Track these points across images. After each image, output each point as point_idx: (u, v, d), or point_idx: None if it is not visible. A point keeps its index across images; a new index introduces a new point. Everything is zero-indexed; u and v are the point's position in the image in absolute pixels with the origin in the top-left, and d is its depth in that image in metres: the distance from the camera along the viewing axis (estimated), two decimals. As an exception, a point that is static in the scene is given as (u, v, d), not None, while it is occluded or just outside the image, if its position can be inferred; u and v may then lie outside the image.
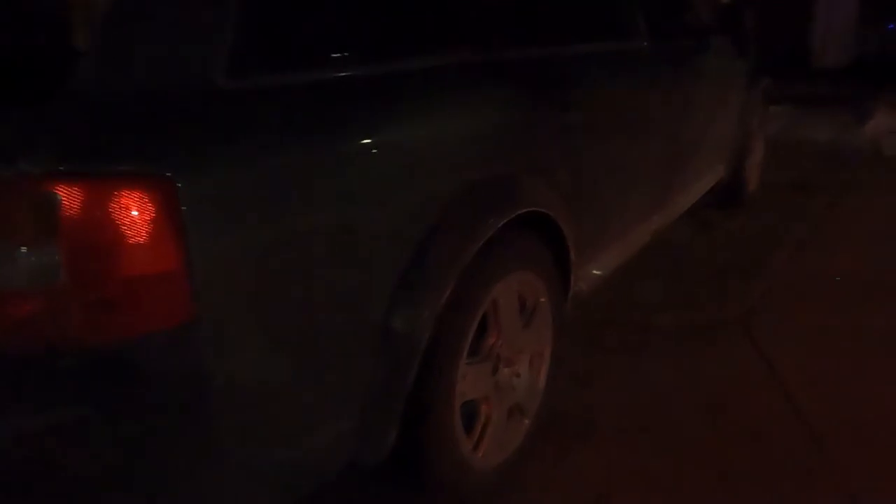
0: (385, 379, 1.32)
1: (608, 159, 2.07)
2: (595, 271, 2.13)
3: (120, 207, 0.96)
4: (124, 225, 0.96)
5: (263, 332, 1.13)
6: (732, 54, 3.38)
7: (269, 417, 1.17)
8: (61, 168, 0.95)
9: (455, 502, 1.61)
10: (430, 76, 1.47)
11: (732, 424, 1.96)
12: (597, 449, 1.85)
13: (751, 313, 2.64)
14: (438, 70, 1.50)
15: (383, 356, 1.30)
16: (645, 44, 2.36)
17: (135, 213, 0.96)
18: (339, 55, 1.31)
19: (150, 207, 0.97)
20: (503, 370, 1.65)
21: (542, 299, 1.75)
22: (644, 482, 1.73)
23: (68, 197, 0.93)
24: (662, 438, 1.90)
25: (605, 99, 2.06)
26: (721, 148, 3.33)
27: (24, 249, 0.94)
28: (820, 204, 4.05)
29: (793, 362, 2.27)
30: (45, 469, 1.02)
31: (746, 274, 3.01)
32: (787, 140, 5.74)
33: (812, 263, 3.16)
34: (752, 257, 3.21)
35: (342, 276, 1.23)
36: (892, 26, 11.22)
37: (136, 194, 0.96)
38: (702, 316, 2.62)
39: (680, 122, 2.60)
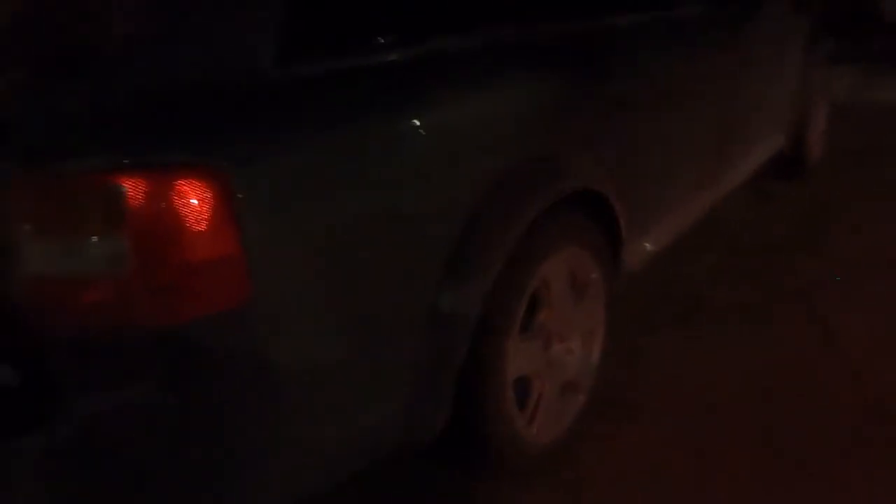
0: (435, 358, 1.35)
1: (657, 132, 2.03)
2: (647, 246, 2.10)
3: (179, 197, 1.00)
4: (183, 213, 1.00)
5: (316, 313, 1.17)
6: (789, 12, 3.21)
7: (324, 396, 1.22)
8: (125, 161, 0.99)
9: (508, 478, 1.64)
10: (474, 56, 1.47)
11: (790, 400, 1.92)
12: (651, 425, 1.84)
13: (811, 287, 2.55)
14: (482, 49, 1.49)
15: (433, 335, 1.33)
16: (692, 9, 2.29)
17: (192, 201, 1.01)
18: (382, 39, 1.33)
19: (207, 196, 1.01)
20: (555, 346, 1.66)
21: (594, 275, 1.74)
22: (698, 459, 1.72)
23: (132, 189, 0.98)
24: (717, 415, 1.87)
25: (652, 70, 2.01)
26: (779, 115, 3.20)
27: (93, 239, 1.00)
28: (886, 173, 3.85)
29: (853, 337, 2.20)
30: (115, 446, 1.09)
31: (807, 247, 2.91)
32: (856, 103, 5.46)
33: (878, 236, 3.01)
34: (814, 230, 3.10)
35: (392, 258, 1.26)
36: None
37: (192, 184, 1.01)
38: (758, 291, 2.55)
39: (732, 89, 2.51)
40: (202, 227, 1.01)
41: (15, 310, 1.04)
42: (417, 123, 1.28)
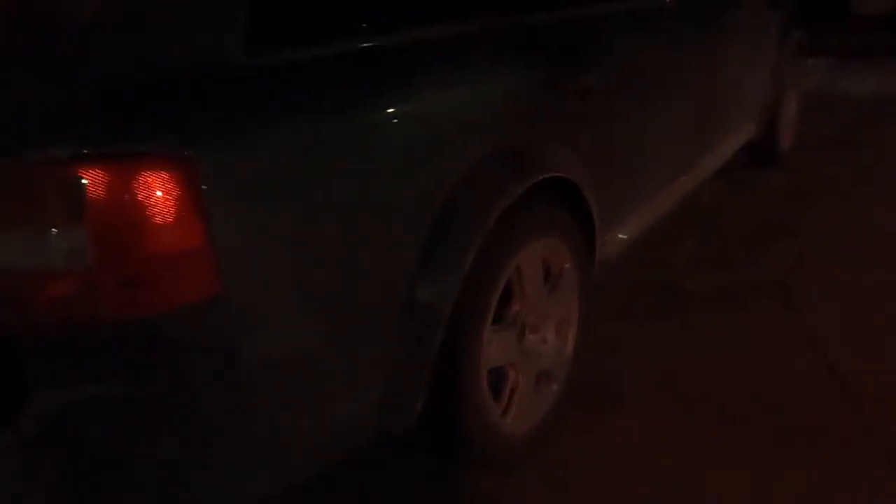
0: (410, 348, 1.34)
1: (631, 122, 2.04)
2: (622, 236, 2.11)
3: (141, 188, 0.98)
4: (147, 204, 0.98)
5: (289, 304, 1.16)
6: (763, 5, 3.25)
7: (298, 387, 1.21)
8: (84, 151, 0.97)
9: (485, 467, 1.64)
10: (446, 45, 1.46)
11: (767, 388, 1.94)
12: (628, 415, 1.85)
13: (786, 274, 2.59)
14: (454, 39, 1.49)
15: (408, 325, 1.32)
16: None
17: (156, 192, 0.99)
18: (353, 28, 1.31)
19: (171, 187, 0.99)
20: (529, 336, 1.66)
21: (567, 265, 1.74)
22: (677, 446, 1.73)
23: (92, 179, 0.96)
24: (694, 404, 1.89)
25: (627, 60, 2.02)
26: (752, 105, 3.24)
27: (53, 231, 0.97)
28: (859, 161, 3.91)
29: (830, 324, 2.23)
30: (84, 440, 1.07)
31: (781, 234, 2.95)
32: (826, 94, 5.54)
33: (850, 222, 3.07)
34: (788, 217, 3.14)
35: (365, 248, 1.25)
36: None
37: (156, 174, 0.99)
38: (735, 278, 2.58)
39: (706, 80, 2.53)
40: (167, 218, 1.00)
41: (-26, 305, 1.02)
42: (389, 113, 1.27)
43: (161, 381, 1.06)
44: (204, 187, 1.02)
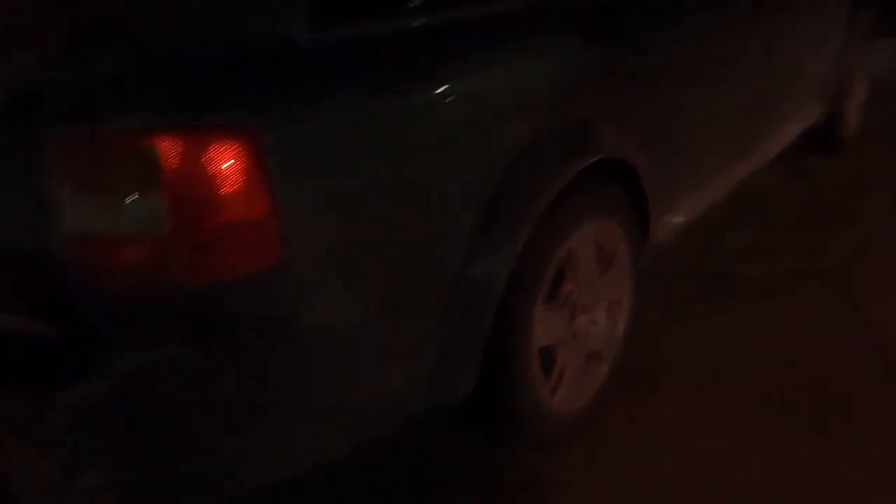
0: (462, 324, 1.36)
1: (689, 102, 1.99)
2: (676, 220, 2.08)
3: (212, 158, 1.02)
4: (216, 174, 1.02)
5: (345, 276, 1.19)
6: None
7: (350, 359, 1.24)
8: (161, 122, 1.01)
9: (532, 445, 1.66)
10: (505, 21, 1.46)
11: (817, 377, 1.90)
12: (675, 398, 1.84)
13: (844, 264, 2.51)
14: (512, 15, 1.48)
15: (461, 301, 1.34)
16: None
17: (225, 163, 1.02)
18: (414, 3, 1.32)
19: (239, 158, 1.03)
20: (580, 317, 1.66)
21: (620, 247, 1.73)
22: (721, 431, 1.72)
23: (166, 149, 1.00)
24: (742, 390, 1.86)
25: (687, 38, 1.97)
26: (816, 87, 3.11)
27: (130, 198, 1.02)
28: (928, 148, 3.76)
29: (888, 315, 2.16)
30: (149, 401, 1.12)
31: (841, 223, 2.86)
32: (894, 78, 5.29)
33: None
34: (848, 206, 3.03)
35: (421, 223, 1.27)
36: None
37: (225, 146, 1.02)
38: (790, 267, 2.52)
39: (769, 59, 2.44)
40: (235, 188, 1.03)
41: (56, 267, 1.07)
42: (447, 89, 1.28)
43: (223, 346, 1.11)
44: (269, 159, 1.05)
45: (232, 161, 1.02)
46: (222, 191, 1.02)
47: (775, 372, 1.92)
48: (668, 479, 1.59)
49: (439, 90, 1.27)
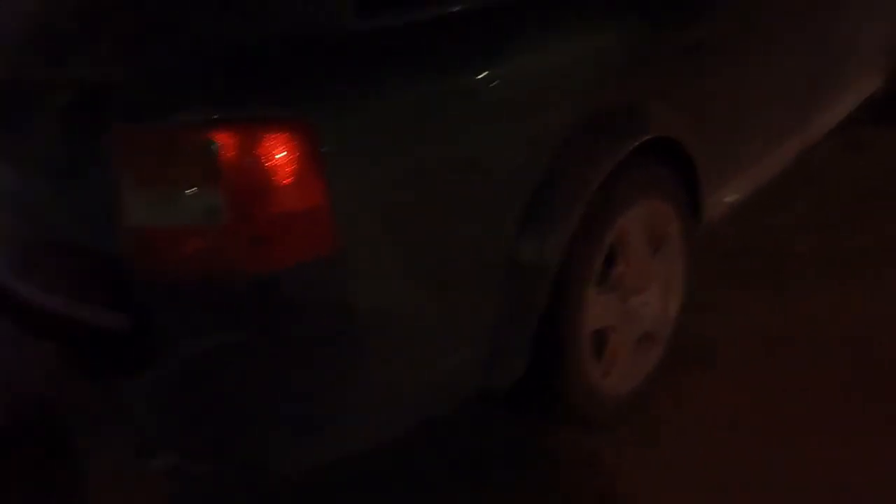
0: (514, 307, 1.37)
1: (741, 78, 1.94)
2: (728, 199, 2.04)
3: (267, 150, 1.04)
4: (271, 166, 1.05)
5: (399, 262, 1.21)
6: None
7: (406, 341, 1.26)
8: (216, 117, 1.04)
9: (585, 427, 1.66)
10: (550, 2, 1.44)
11: (877, 356, 1.84)
12: (728, 378, 1.81)
13: (907, 239, 2.42)
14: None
15: (513, 284, 1.35)
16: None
17: (280, 154, 1.05)
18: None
19: (293, 149, 1.05)
20: (632, 299, 1.64)
21: (672, 227, 1.71)
22: (775, 413, 1.69)
23: (224, 143, 1.03)
24: (798, 369, 1.82)
25: (737, 9, 1.91)
26: (876, 54, 2.97)
27: (190, 192, 1.06)
28: None
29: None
30: (213, 386, 1.17)
31: (902, 197, 2.75)
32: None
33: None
34: (910, 179, 2.92)
35: (473, 207, 1.28)
36: None
37: (279, 138, 1.05)
38: (846, 244, 2.43)
39: (823, 28, 2.34)
40: (290, 179, 1.06)
41: (122, 259, 1.12)
42: (495, 71, 1.28)
43: (285, 332, 1.14)
44: (323, 149, 1.07)
45: (286, 152, 1.04)
46: (278, 182, 1.05)
47: (835, 353, 1.87)
48: (720, 458, 1.57)
49: (488, 73, 1.28)
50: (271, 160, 1.04)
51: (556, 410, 1.62)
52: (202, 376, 1.16)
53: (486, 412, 1.68)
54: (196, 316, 1.14)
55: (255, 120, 1.05)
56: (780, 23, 2.14)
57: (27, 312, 1.34)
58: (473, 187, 1.27)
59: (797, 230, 2.55)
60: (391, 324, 1.23)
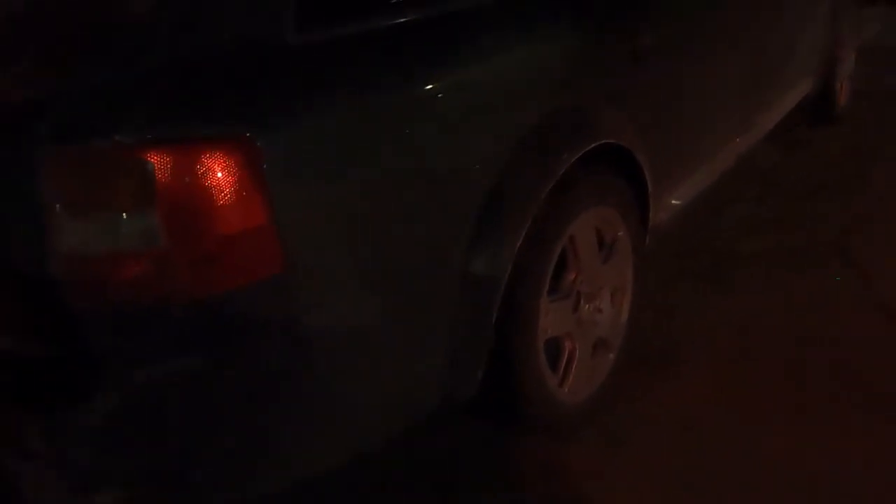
0: (469, 319, 1.36)
1: (686, 83, 1.98)
2: (675, 201, 2.07)
3: (206, 170, 1.00)
4: (211, 186, 1.01)
5: (350, 278, 1.18)
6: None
7: (361, 359, 1.23)
8: (149, 137, 1.00)
9: (545, 435, 1.66)
10: (497, 9, 1.44)
11: (827, 348, 1.90)
12: (684, 378, 1.84)
13: (845, 234, 2.51)
14: (499, 5, 1.46)
15: (466, 296, 1.33)
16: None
17: (220, 174, 1.01)
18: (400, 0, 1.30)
19: (234, 168, 1.02)
20: (585, 306, 1.65)
21: (621, 233, 1.72)
22: (732, 410, 1.72)
23: (159, 163, 0.99)
24: (752, 365, 1.86)
25: (681, 18, 1.95)
26: (808, 59, 3.09)
27: (126, 215, 1.01)
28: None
29: (891, 282, 2.16)
30: (158, 416, 1.11)
31: (839, 194, 2.85)
32: (885, 46, 5.26)
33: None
34: (846, 176, 3.02)
35: (423, 220, 1.26)
36: None
37: (218, 156, 1.01)
38: (792, 239, 2.51)
39: (761, 35, 2.43)
40: (231, 198, 1.02)
41: (54, 286, 1.06)
42: (440, 83, 1.27)
43: (233, 355, 1.10)
44: (264, 166, 1.04)
45: (225, 172, 1.00)
46: (218, 202, 1.01)
47: (786, 348, 1.91)
48: (683, 458, 1.59)
49: (433, 84, 1.27)
50: (210, 180, 1.00)
51: (514, 419, 1.62)
52: (144, 406, 1.10)
53: (447, 425, 1.66)
54: (135, 343, 1.08)
55: (192, 139, 1.01)
56: (724, 30, 2.20)
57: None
58: (423, 200, 1.25)
59: (744, 228, 2.62)
60: (345, 343, 1.20)
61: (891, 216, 2.64)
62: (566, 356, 1.64)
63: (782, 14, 2.63)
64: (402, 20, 1.28)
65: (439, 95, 1.27)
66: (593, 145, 1.52)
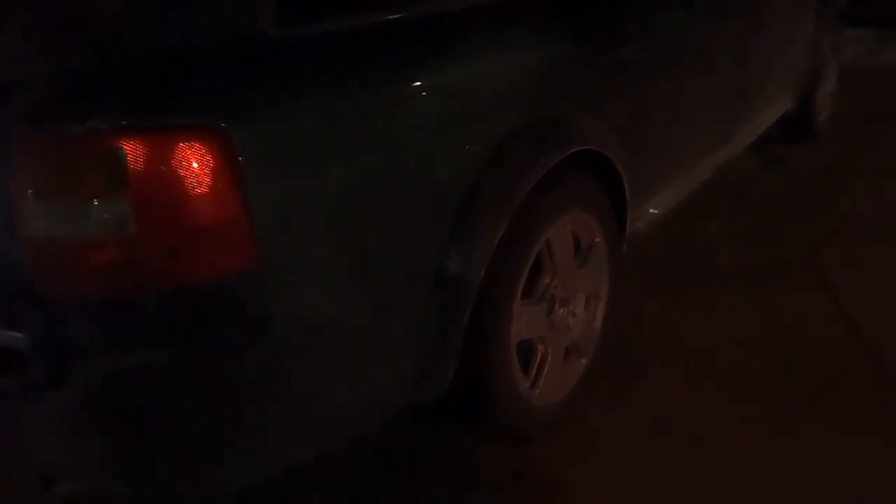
0: (441, 318, 1.36)
1: (665, 94, 2.00)
2: (652, 210, 2.09)
3: (180, 159, 1.00)
4: (185, 176, 1.00)
5: (323, 274, 1.18)
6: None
7: (332, 356, 1.23)
8: (124, 123, 0.99)
9: (513, 439, 1.66)
10: (478, 15, 1.45)
11: (797, 362, 1.93)
12: (656, 387, 1.85)
13: (818, 250, 2.55)
14: (486, 8, 1.47)
15: (439, 296, 1.34)
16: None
17: (194, 164, 1.00)
18: (384, -1, 1.31)
19: (208, 158, 1.01)
20: (558, 310, 1.66)
21: (597, 239, 1.74)
22: (701, 418, 1.74)
23: (132, 151, 0.98)
24: (723, 376, 1.88)
25: (661, 30, 1.98)
26: (788, 77, 3.15)
27: (96, 202, 0.99)
28: (897, 136, 3.81)
29: (861, 300, 2.20)
30: (127, 406, 1.10)
31: (814, 210, 2.90)
32: (866, 66, 5.37)
33: (886, 199, 3.00)
34: (821, 193, 3.08)
35: (399, 219, 1.26)
36: None
37: (194, 146, 1.00)
38: (767, 253, 2.55)
39: (742, 51, 2.47)
40: (204, 189, 1.01)
41: (22, 274, 1.05)
42: (420, 84, 1.27)
43: (201, 348, 1.09)
44: (240, 158, 1.03)
45: (198, 162, 1.00)
46: (191, 192, 1.00)
47: (758, 360, 1.94)
48: (651, 468, 1.60)
49: (411, 85, 1.27)
50: (183, 170, 0.99)
51: (485, 420, 1.62)
52: (111, 398, 1.09)
53: (412, 426, 1.66)
54: (103, 333, 1.07)
55: (167, 127, 1.00)
56: (702, 43, 2.23)
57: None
58: (399, 199, 1.25)
59: (720, 241, 2.65)
60: (316, 339, 1.20)
61: (862, 235, 2.68)
62: (538, 359, 1.64)
63: (764, 30, 2.66)
64: (384, 19, 1.28)
65: (420, 95, 1.28)
66: (571, 151, 1.53)
